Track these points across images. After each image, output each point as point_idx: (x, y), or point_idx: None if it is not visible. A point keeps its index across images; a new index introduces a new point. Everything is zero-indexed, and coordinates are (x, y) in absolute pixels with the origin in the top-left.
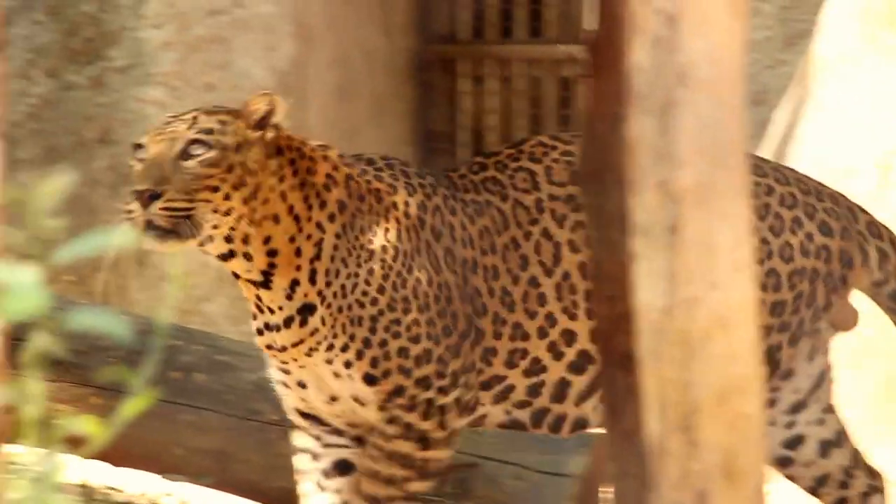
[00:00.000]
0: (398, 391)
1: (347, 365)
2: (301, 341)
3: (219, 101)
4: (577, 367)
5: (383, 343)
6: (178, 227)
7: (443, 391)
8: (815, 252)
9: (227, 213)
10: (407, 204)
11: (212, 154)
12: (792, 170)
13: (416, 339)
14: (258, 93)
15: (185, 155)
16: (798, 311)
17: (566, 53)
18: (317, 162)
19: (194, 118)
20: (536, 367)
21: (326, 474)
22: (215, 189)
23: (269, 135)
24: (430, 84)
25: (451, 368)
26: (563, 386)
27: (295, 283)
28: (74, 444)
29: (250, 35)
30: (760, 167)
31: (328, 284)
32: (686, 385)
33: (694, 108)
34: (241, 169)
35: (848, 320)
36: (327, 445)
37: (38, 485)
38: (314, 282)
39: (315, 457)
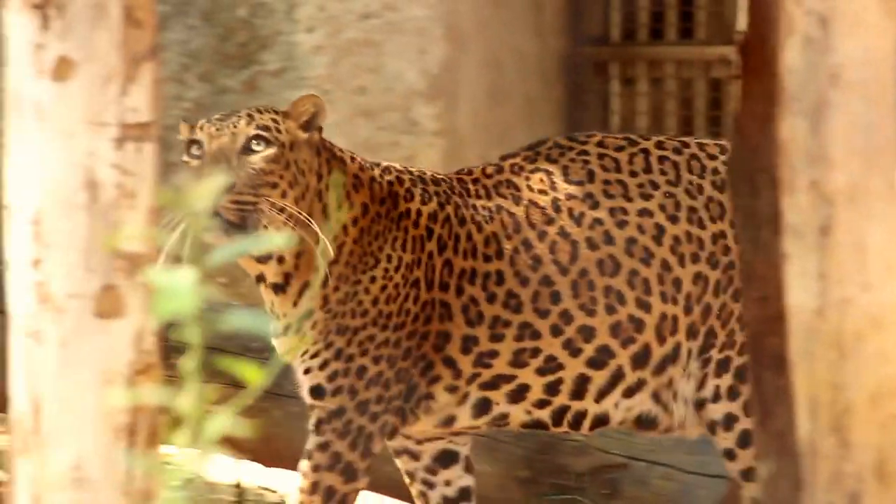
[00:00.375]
0: (339, 413)
1: (307, 371)
2: (292, 349)
3: (372, 105)
4: (596, 363)
5: (350, 358)
6: (245, 220)
7: (374, 418)
8: None
9: (281, 211)
10: (419, 213)
11: (273, 150)
12: None
13: (377, 360)
14: (303, 94)
15: (246, 150)
16: None
17: (717, 54)
18: (346, 163)
19: (250, 115)
20: (552, 365)
21: (432, 471)
22: (274, 185)
23: (316, 137)
24: (580, 86)
25: (390, 393)
26: (582, 382)
27: (304, 288)
28: (228, 444)
29: (402, 38)
30: None
31: (336, 289)
32: (838, 386)
33: (846, 109)
34: (295, 167)
35: None
36: (420, 442)
37: (191, 484)
38: (325, 285)
39: (414, 456)
